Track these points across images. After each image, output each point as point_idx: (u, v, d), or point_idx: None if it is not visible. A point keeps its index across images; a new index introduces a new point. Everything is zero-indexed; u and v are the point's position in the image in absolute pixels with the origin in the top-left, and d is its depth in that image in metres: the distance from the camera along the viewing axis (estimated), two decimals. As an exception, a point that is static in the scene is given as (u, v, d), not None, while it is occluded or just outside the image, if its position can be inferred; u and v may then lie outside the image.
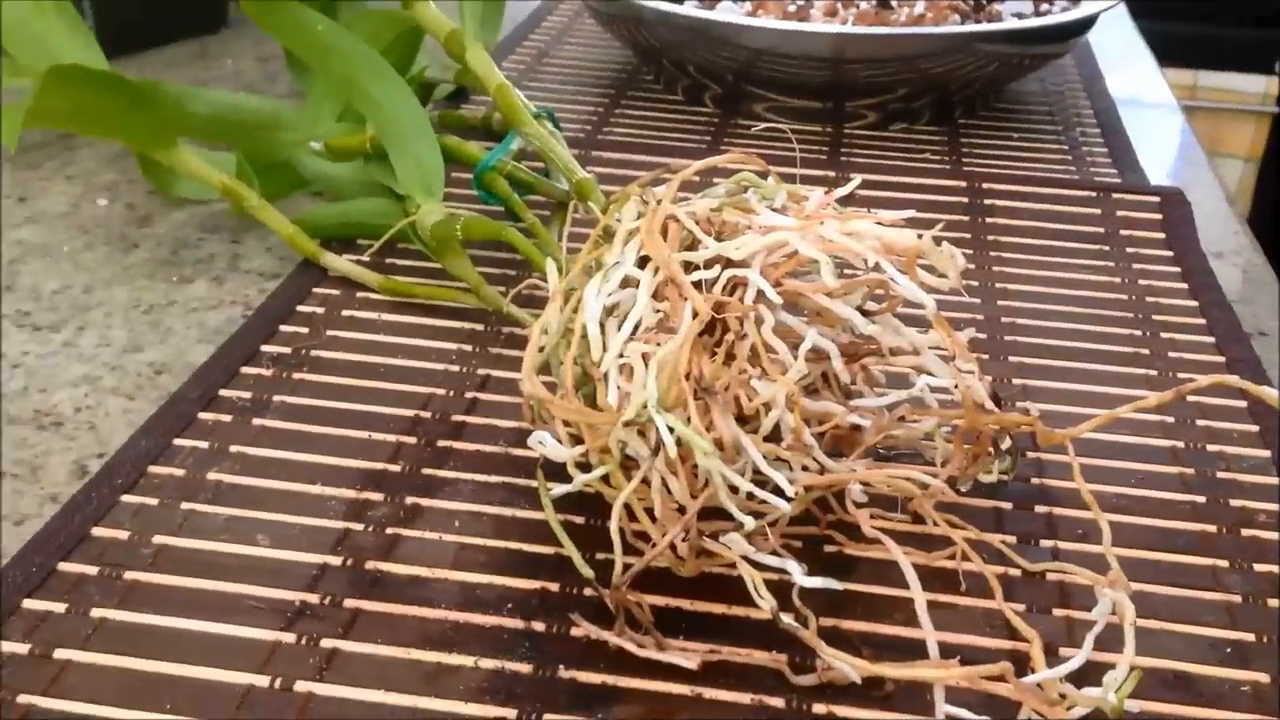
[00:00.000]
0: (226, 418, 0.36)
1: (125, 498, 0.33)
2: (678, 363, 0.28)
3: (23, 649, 0.28)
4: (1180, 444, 0.37)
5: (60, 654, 0.28)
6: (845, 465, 0.30)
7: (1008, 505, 0.34)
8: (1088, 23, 0.60)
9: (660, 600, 0.30)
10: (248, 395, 0.38)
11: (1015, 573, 0.31)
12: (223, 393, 0.38)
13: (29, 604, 0.29)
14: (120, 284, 0.46)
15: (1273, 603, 0.31)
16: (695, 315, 0.28)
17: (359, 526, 0.32)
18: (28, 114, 0.39)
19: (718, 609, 0.30)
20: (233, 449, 0.35)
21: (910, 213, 0.31)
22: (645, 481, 0.28)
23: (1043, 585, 0.31)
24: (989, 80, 0.60)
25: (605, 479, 0.29)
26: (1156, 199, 0.52)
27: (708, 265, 0.30)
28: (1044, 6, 0.64)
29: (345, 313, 0.42)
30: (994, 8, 0.63)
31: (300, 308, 0.42)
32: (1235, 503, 0.34)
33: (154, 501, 0.33)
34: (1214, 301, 0.45)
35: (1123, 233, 0.50)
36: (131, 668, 0.28)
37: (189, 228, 0.50)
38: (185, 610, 0.29)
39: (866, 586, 0.31)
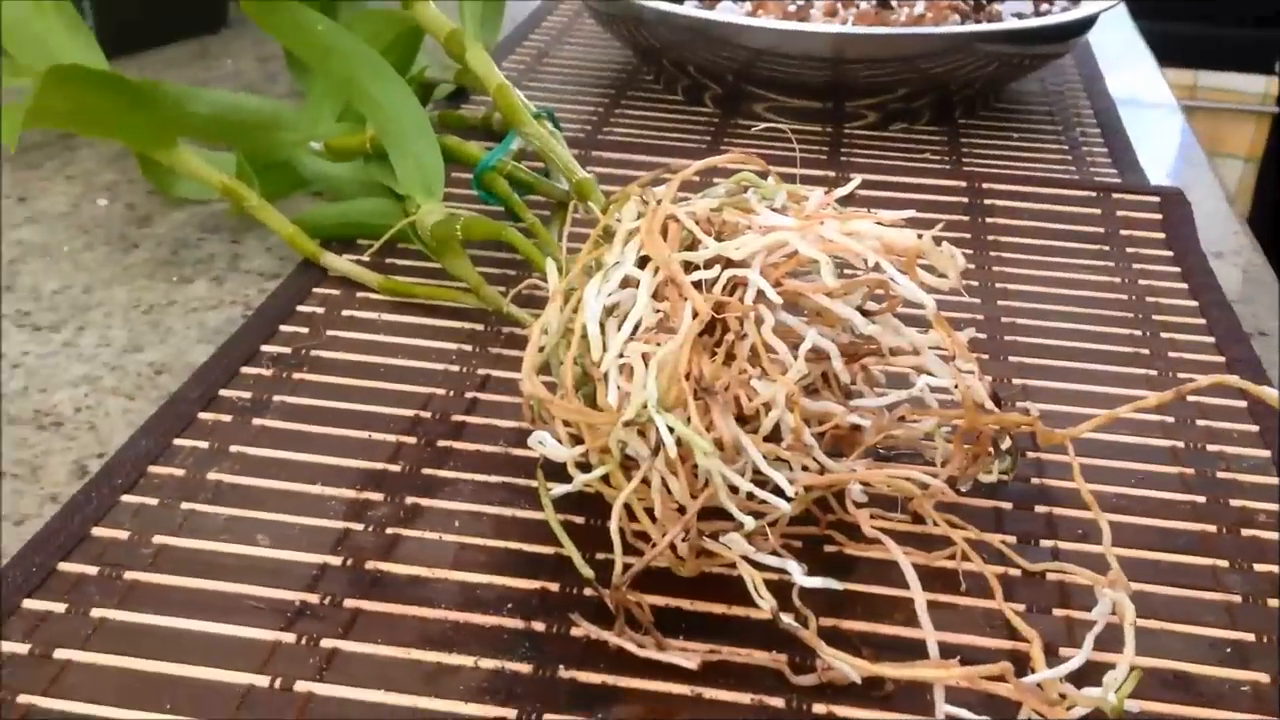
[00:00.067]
0: (226, 418, 0.36)
1: (125, 498, 0.33)
2: (678, 363, 0.28)
3: (23, 649, 0.28)
4: (1180, 444, 0.37)
5: (60, 654, 0.28)
6: (845, 465, 0.30)
7: (1008, 505, 0.34)
8: (1088, 23, 0.60)
9: (660, 600, 0.30)
10: (248, 395, 0.38)
11: (1015, 573, 0.31)
12: (223, 393, 0.38)
13: (29, 604, 0.29)
14: (120, 284, 0.46)
15: (1273, 603, 0.31)
16: (695, 315, 0.28)
17: (359, 526, 0.32)
18: (28, 114, 0.39)
19: (718, 609, 0.30)
20: (233, 449, 0.35)
21: (910, 213, 0.31)
22: (645, 481, 0.28)
23: (1043, 585, 0.31)
24: (989, 80, 0.60)
25: (605, 479, 0.29)
26: (1156, 199, 0.52)
27: (708, 265, 0.30)
28: (1044, 6, 0.64)
29: (345, 313, 0.42)
30: (994, 8, 0.63)
31: (300, 308, 0.42)
32: (1235, 503, 0.34)
33: (154, 501, 0.33)
34: (1214, 301, 0.45)
35: (1123, 233, 0.50)
36: (131, 668, 0.28)
37: (189, 228, 0.50)
38: (185, 610, 0.29)
39: (866, 586, 0.31)
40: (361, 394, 0.38)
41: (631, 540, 0.29)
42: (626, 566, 0.28)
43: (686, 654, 0.28)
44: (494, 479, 0.34)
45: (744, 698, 0.28)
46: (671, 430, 0.27)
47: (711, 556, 0.29)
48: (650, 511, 0.29)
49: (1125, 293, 0.45)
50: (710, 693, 0.28)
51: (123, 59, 0.66)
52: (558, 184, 0.44)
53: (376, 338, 0.41)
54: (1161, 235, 0.49)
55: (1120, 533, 0.32)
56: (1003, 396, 0.39)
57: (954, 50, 0.56)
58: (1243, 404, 0.39)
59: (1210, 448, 0.37)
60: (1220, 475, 0.35)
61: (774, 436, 0.28)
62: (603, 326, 0.30)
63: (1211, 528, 0.33)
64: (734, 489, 0.27)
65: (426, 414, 0.37)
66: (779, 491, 0.27)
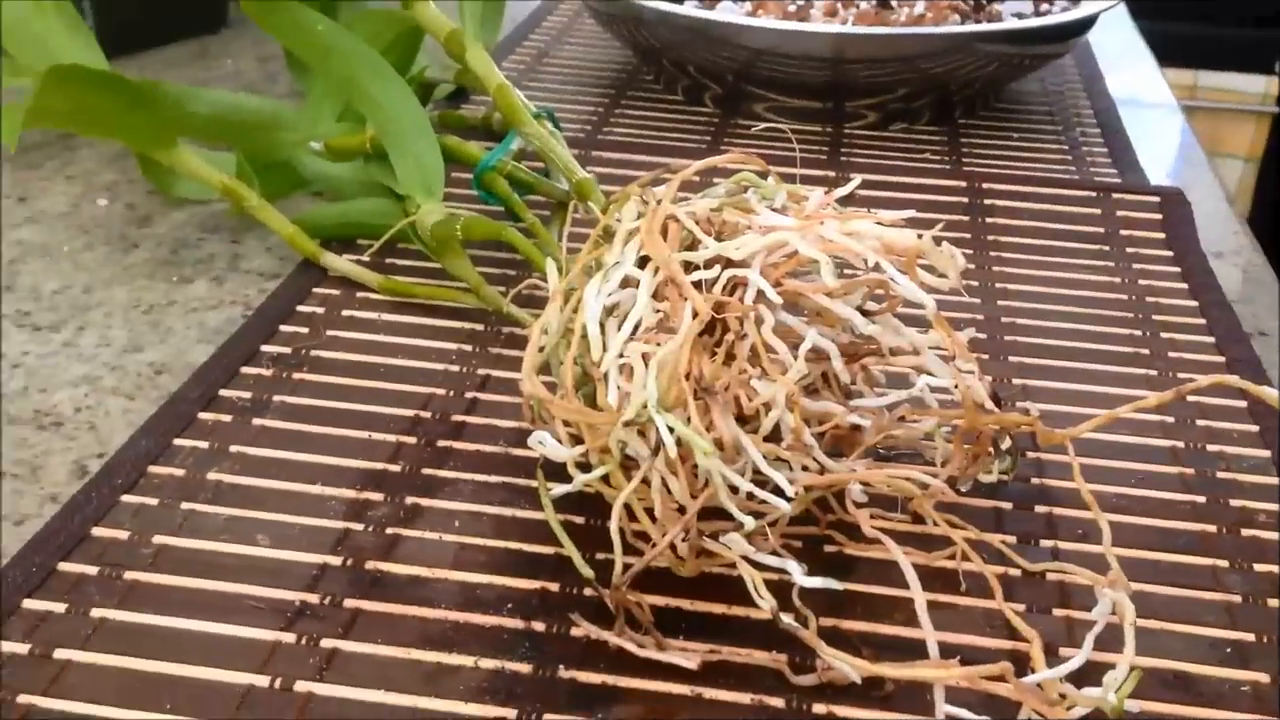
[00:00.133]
0: (226, 418, 0.36)
1: (125, 498, 0.33)
2: (678, 363, 0.28)
3: (23, 649, 0.28)
4: (1180, 444, 0.37)
5: (60, 654, 0.28)
6: (845, 465, 0.30)
7: (1008, 505, 0.34)
8: (1088, 23, 0.60)
9: (660, 600, 0.30)
10: (248, 395, 0.38)
11: (1015, 573, 0.31)
12: (223, 393, 0.38)
13: (29, 604, 0.29)
14: (120, 284, 0.46)
15: (1273, 603, 0.31)
16: (695, 315, 0.28)
17: (359, 526, 0.32)
18: (28, 114, 0.39)
19: (718, 609, 0.30)
20: (233, 449, 0.35)
21: (910, 213, 0.31)
22: (645, 481, 0.28)
23: (1043, 585, 0.31)
24: (989, 80, 0.60)
25: (605, 479, 0.29)
26: (1156, 199, 0.52)
27: (708, 265, 0.30)
28: (1044, 6, 0.64)
29: (345, 313, 0.42)
30: (994, 8, 0.63)
31: (300, 308, 0.42)
32: (1235, 503, 0.34)
33: (154, 501, 0.33)
34: (1214, 301, 0.45)
35: (1123, 233, 0.50)
36: (131, 668, 0.28)
37: (189, 228, 0.50)
38: (185, 610, 0.29)
39: (866, 586, 0.31)
40: (361, 394, 0.38)
41: (631, 540, 0.29)
42: (626, 566, 0.28)
43: (686, 654, 0.28)
44: (494, 479, 0.34)
45: (744, 698, 0.28)
46: (671, 430, 0.27)
47: (711, 556, 0.29)
48: (650, 511, 0.29)
49: (1125, 293, 0.45)
50: (710, 693, 0.28)
51: (123, 59, 0.66)
52: (558, 184, 0.44)
53: (376, 338, 0.41)
54: (1161, 235, 0.49)
55: (1120, 533, 0.32)
56: (1003, 396, 0.39)
57: (954, 50, 0.56)
58: (1243, 404, 0.39)
59: (1210, 448, 0.37)
60: (1220, 475, 0.35)
61: (774, 436, 0.28)
62: (603, 326, 0.30)
63: (1211, 528, 0.33)
64: (734, 489, 0.27)
65: (426, 414, 0.37)
66: (779, 491, 0.27)
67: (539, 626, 0.29)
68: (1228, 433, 0.37)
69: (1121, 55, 0.76)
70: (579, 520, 0.33)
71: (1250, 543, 0.33)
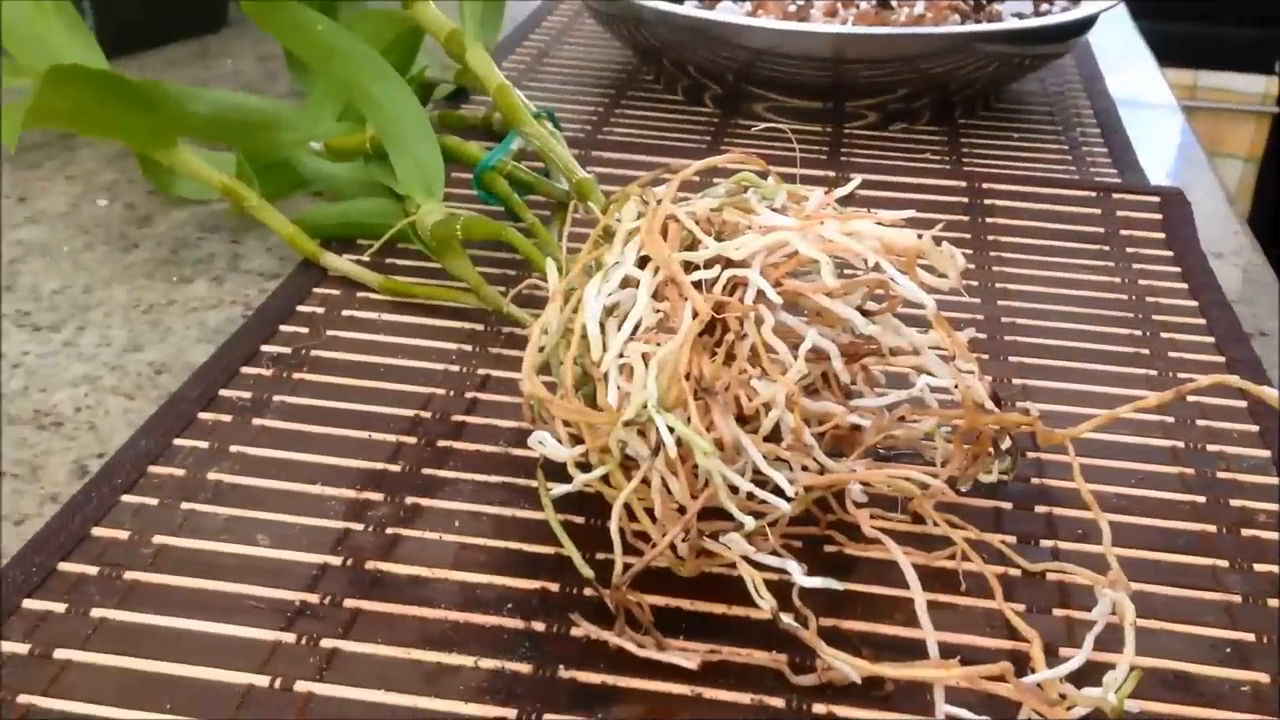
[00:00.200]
0: (226, 418, 0.36)
1: (125, 498, 0.33)
2: (678, 363, 0.28)
3: (23, 649, 0.28)
4: (1180, 444, 0.37)
5: (60, 654, 0.28)
6: (845, 465, 0.30)
7: (1008, 505, 0.34)
8: (1088, 23, 0.60)
9: (660, 600, 0.30)
10: (248, 395, 0.38)
11: (1015, 573, 0.31)
12: (223, 393, 0.38)
13: (29, 604, 0.29)
14: (120, 284, 0.46)
15: (1273, 603, 0.31)
16: (695, 315, 0.28)
17: (359, 526, 0.32)
18: (28, 114, 0.39)
19: (718, 609, 0.30)
20: (233, 449, 0.35)
21: (910, 213, 0.31)
22: (645, 481, 0.28)
23: (1043, 585, 0.31)
24: (989, 80, 0.60)
25: (605, 479, 0.29)
26: (1156, 199, 0.52)
27: (708, 265, 0.30)
28: (1044, 6, 0.64)
29: (345, 313, 0.42)
30: (994, 8, 0.63)
31: (300, 308, 0.42)
32: (1235, 503, 0.34)
33: (154, 501, 0.33)
34: (1214, 301, 0.45)
35: (1123, 233, 0.50)
36: (131, 668, 0.28)
37: (189, 228, 0.50)
38: (185, 610, 0.29)
39: (866, 586, 0.31)
40: (361, 394, 0.38)
41: (631, 540, 0.29)
42: (626, 566, 0.28)
43: (686, 654, 0.28)
44: (494, 479, 0.34)
45: (744, 698, 0.28)
46: (671, 430, 0.27)
47: (711, 556, 0.29)
48: (650, 511, 0.28)
49: (1125, 293, 0.45)
50: (710, 693, 0.28)
51: (123, 59, 0.66)
52: (558, 184, 0.44)
53: (376, 338, 0.41)
54: (1161, 235, 0.49)
55: (1120, 533, 0.32)
56: (1003, 396, 0.39)
57: (954, 50, 0.56)
58: (1243, 404, 0.39)
59: (1210, 448, 0.37)
60: (1220, 475, 0.35)
61: (774, 436, 0.28)
62: (603, 326, 0.30)
63: (1211, 528, 0.33)
64: (734, 489, 0.27)
65: (426, 414, 0.37)
66: (779, 491, 0.27)
67: (539, 626, 0.29)
68: (1228, 433, 0.37)
69: (1121, 55, 0.76)
70: (579, 520, 0.33)
71: (1250, 543, 0.33)
